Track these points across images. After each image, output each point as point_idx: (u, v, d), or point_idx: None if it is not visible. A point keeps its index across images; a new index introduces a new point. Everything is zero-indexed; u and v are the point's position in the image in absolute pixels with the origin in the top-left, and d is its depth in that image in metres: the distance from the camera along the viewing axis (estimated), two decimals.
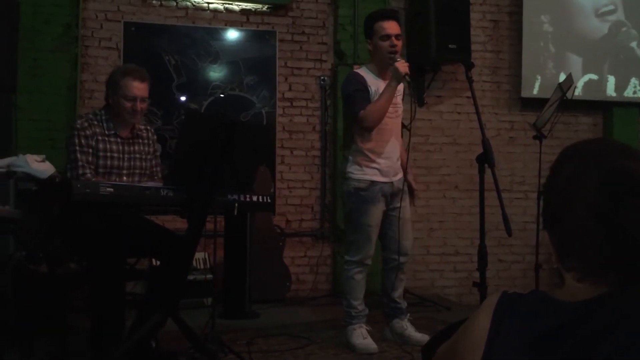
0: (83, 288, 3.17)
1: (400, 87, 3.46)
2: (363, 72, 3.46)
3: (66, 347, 2.98)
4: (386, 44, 3.35)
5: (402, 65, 3.24)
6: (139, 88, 3.03)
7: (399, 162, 3.52)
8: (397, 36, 3.37)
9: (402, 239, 3.50)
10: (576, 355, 0.93)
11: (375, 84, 3.38)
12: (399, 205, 3.46)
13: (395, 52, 3.34)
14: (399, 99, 3.48)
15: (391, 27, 3.37)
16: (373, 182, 3.39)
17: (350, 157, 3.47)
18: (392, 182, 3.45)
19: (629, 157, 1.02)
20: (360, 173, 3.41)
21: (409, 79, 3.28)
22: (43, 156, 3.55)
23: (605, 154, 1.04)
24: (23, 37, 4.62)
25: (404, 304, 3.64)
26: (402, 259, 3.53)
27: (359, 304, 3.46)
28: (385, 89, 3.30)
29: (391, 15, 3.49)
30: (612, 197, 0.99)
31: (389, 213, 3.48)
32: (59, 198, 2.70)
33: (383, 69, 3.40)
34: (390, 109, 3.38)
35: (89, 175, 2.91)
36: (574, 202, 1.02)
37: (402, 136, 3.71)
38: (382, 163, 3.42)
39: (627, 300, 0.95)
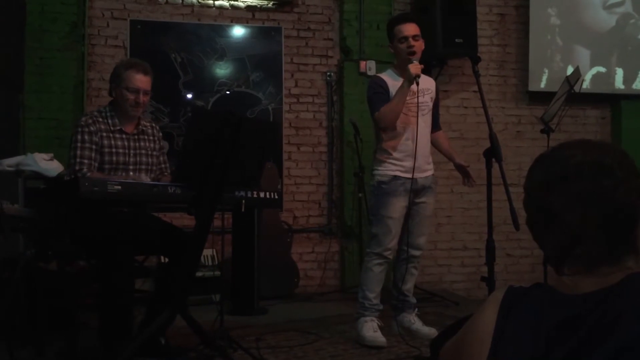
0: (92, 285, 3.19)
1: (432, 85, 3.59)
2: (384, 75, 3.55)
3: (76, 344, 3.00)
4: (404, 45, 3.44)
5: (414, 67, 3.31)
6: (142, 80, 3.04)
7: (427, 160, 3.57)
8: (415, 37, 3.44)
9: (418, 234, 3.57)
10: (583, 347, 0.93)
11: (396, 86, 3.44)
12: (421, 200, 3.54)
13: (413, 53, 3.40)
14: (426, 97, 3.53)
15: (408, 29, 3.45)
16: (395, 177, 3.46)
17: (375, 156, 3.59)
18: (416, 180, 3.47)
19: (572, 146, 1.06)
20: (383, 169, 3.50)
21: (418, 80, 3.32)
22: (51, 154, 3.57)
23: (554, 148, 1.09)
24: (30, 36, 4.65)
25: (412, 299, 3.66)
26: (415, 252, 3.58)
27: (374, 296, 3.48)
28: (398, 90, 3.38)
29: (408, 18, 3.60)
30: (546, 188, 1.03)
31: (412, 207, 3.54)
32: (67, 196, 2.71)
33: (404, 71, 3.44)
34: (413, 108, 3.44)
35: (85, 170, 2.90)
36: (528, 199, 1.09)
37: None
38: (405, 161, 3.46)
39: (628, 294, 0.96)
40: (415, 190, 3.50)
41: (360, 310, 3.50)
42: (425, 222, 3.60)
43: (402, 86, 3.35)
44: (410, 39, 3.42)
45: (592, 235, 1.00)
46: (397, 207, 3.45)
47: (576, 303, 0.97)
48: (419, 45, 3.45)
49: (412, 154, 3.44)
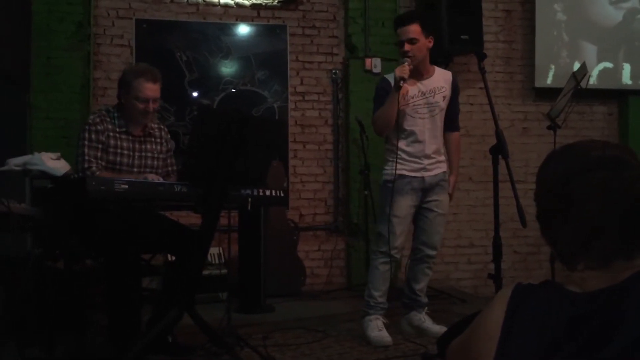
0: (100, 284, 3.20)
1: (447, 83, 3.48)
2: (390, 76, 3.48)
3: (85, 343, 3.01)
4: (401, 50, 3.40)
5: (399, 70, 3.27)
6: (152, 89, 3.02)
7: (435, 159, 3.49)
8: (410, 40, 3.37)
9: (432, 232, 3.54)
10: (589, 346, 0.93)
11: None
12: (433, 199, 3.50)
13: (407, 57, 3.34)
14: (437, 97, 3.46)
15: (402, 32, 3.40)
16: (402, 176, 3.42)
17: (384, 155, 3.57)
18: (423, 178, 3.45)
19: (589, 143, 1.07)
20: (390, 168, 3.47)
21: (401, 84, 3.26)
22: (58, 154, 3.57)
23: (570, 144, 1.10)
24: (37, 36, 4.67)
25: (424, 299, 3.64)
26: (430, 252, 3.57)
27: (379, 295, 3.47)
28: (389, 96, 3.33)
29: (405, 20, 3.48)
30: (566, 177, 1.04)
31: (423, 206, 3.51)
32: (74, 195, 2.71)
33: None
34: (420, 110, 3.40)
35: (94, 168, 2.91)
36: (544, 190, 1.08)
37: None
38: (411, 161, 3.44)
39: (634, 293, 0.95)
40: (424, 189, 3.47)
41: (365, 309, 3.49)
42: (438, 220, 3.54)
43: (391, 92, 3.31)
44: (406, 43, 3.36)
45: (611, 227, 1.00)
46: (403, 205, 3.42)
47: (583, 301, 0.97)
48: (417, 48, 3.36)
49: (418, 155, 3.43)
